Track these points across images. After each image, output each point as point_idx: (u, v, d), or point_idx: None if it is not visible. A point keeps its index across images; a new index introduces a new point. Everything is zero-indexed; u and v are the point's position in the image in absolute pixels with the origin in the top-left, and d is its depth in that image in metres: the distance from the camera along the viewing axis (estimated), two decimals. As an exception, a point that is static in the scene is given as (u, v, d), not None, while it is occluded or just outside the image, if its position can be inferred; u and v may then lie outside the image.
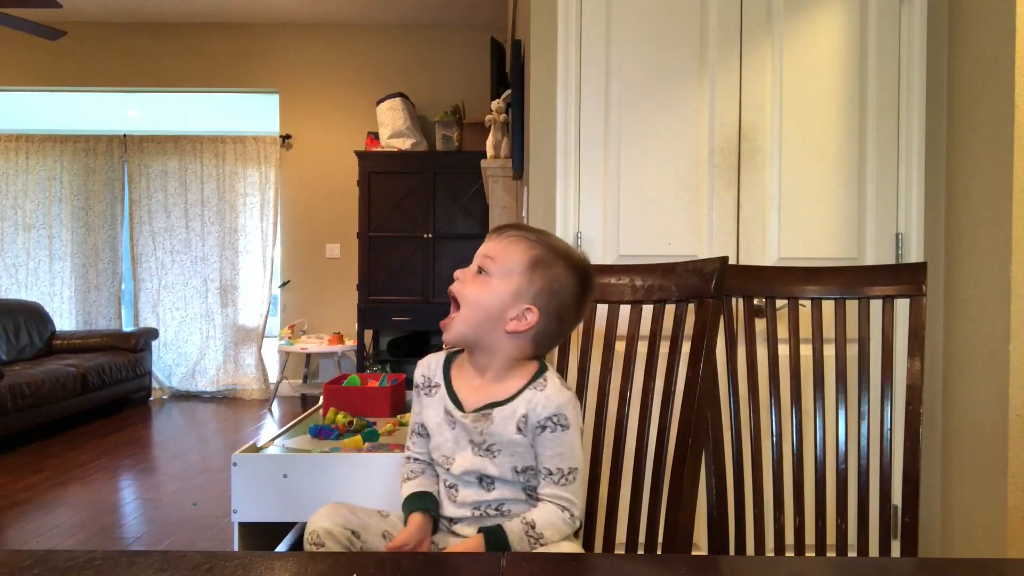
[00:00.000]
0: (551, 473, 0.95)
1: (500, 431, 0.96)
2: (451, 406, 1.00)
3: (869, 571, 0.67)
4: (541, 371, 0.99)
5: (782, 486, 1.18)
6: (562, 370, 1.24)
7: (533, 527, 0.94)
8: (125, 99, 6.10)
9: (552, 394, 0.95)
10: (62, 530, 2.69)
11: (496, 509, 0.98)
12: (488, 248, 1.00)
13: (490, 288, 0.97)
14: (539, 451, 0.96)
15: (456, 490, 1.00)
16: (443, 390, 1.02)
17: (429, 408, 1.04)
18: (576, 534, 1.02)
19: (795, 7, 2.16)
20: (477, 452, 0.98)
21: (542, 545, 0.94)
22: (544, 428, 0.95)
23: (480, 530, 0.95)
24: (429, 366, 1.06)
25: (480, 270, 0.98)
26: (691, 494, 0.99)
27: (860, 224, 2.18)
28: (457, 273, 1.00)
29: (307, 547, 0.96)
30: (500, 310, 0.96)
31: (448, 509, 1.01)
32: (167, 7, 5.21)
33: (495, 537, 0.93)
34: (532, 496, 0.98)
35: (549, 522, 0.94)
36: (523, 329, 0.96)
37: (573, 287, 0.99)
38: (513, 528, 0.94)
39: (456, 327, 0.98)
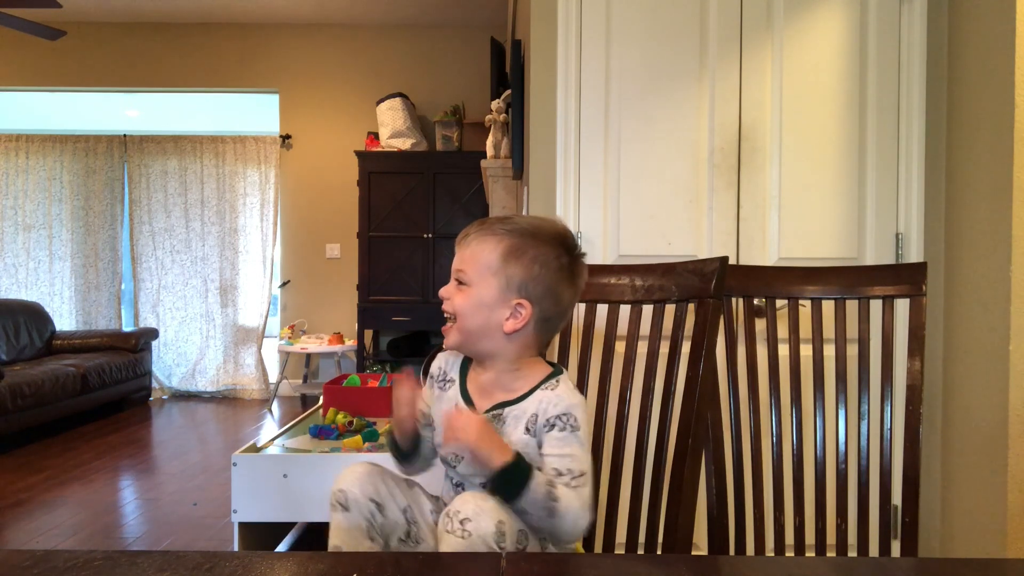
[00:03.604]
0: (561, 474, 0.90)
1: (510, 432, 0.94)
2: (464, 407, 0.99)
3: (869, 571, 0.67)
4: (555, 374, 0.98)
5: (782, 486, 1.18)
6: (562, 370, 1.24)
7: (554, 489, 0.87)
8: (125, 99, 6.10)
9: (564, 394, 0.94)
10: (62, 530, 2.69)
11: None
12: (458, 260, 0.98)
13: (474, 295, 0.95)
14: (546, 450, 0.92)
15: (463, 488, 0.99)
16: (457, 388, 1.02)
17: (440, 403, 1.03)
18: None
19: (795, 7, 2.16)
20: None
21: (552, 516, 0.86)
22: (553, 426, 0.92)
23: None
24: (447, 361, 1.05)
25: (459, 283, 0.97)
26: (691, 494, 0.99)
27: (860, 224, 2.18)
28: (442, 292, 0.98)
29: (331, 503, 0.96)
30: (491, 314, 0.95)
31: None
32: (167, 7, 5.21)
33: (520, 473, 0.85)
34: None
35: (569, 502, 0.87)
36: (521, 325, 0.95)
37: (557, 260, 0.95)
38: (539, 479, 0.86)
39: (453, 335, 0.97)
